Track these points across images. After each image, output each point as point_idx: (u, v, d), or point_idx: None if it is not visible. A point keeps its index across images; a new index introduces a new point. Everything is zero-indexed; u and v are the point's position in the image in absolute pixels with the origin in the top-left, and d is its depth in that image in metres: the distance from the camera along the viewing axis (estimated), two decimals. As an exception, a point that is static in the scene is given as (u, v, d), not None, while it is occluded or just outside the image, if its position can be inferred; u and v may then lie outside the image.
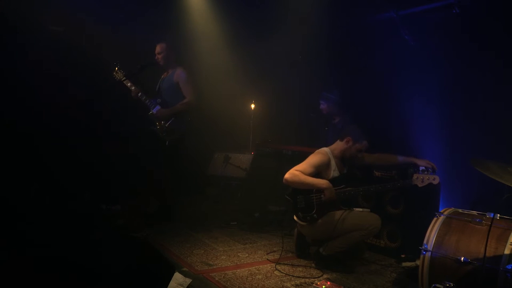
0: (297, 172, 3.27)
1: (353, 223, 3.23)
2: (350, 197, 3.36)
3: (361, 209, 3.40)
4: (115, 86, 4.39)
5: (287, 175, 3.28)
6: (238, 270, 3.20)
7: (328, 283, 2.89)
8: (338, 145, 3.49)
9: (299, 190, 3.36)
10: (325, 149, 3.49)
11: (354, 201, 3.74)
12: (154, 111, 4.29)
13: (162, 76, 4.51)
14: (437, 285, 2.38)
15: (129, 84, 4.32)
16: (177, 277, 2.72)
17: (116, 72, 4.36)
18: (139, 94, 4.30)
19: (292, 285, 2.96)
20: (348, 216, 3.27)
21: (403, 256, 3.52)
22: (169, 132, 4.28)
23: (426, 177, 3.08)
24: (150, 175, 4.76)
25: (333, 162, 3.43)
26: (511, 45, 3.56)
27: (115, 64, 4.38)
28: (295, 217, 3.39)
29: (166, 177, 4.39)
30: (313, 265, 3.38)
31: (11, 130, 4.47)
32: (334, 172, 3.42)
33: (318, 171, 3.35)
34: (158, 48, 4.38)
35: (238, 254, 3.60)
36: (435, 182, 3.07)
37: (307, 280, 3.06)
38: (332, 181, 3.34)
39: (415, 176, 3.12)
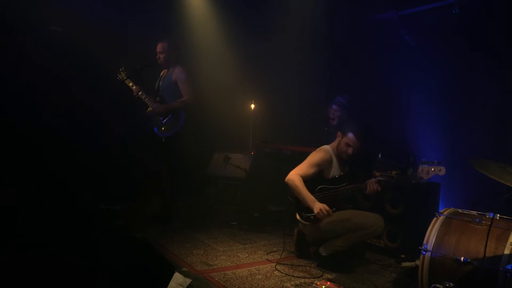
0: (297, 179, 3.27)
1: (357, 222, 3.21)
2: (353, 194, 3.35)
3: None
4: (115, 86, 4.39)
5: (289, 178, 3.29)
6: (238, 270, 3.20)
7: (328, 283, 2.89)
8: (334, 143, 3.50)
9: None
10: (326, 146, 3.50)
11: (355, 200, 3.75)
12: (151, 107, 4.30)
13: (161, 74, 4.50)
14: (437, 285, 2.37)
15: (130, 84, 4.32)
16: (177, 277, 2.72)
17: (120, 73, 4.37)
18: (139, 93, 4.30)
19: (292, 285, 2.96)
20: (351, 215, 3.26)
21: (403, 256, 3.52)
22: (166, 128, 4.28)
23: (431, 168, 2.92)
24: (150, 175, 4.76)
25: (335, 160, 3.43)
26: (510, 45, 3.56)
27: (120, 67, 4.38)
28: (297, 217, 3.38)
29: (165, 176, 4.39)
30: (313, 265, 3.38)
31: (11, 130, 4.48)
32: (335, 170, 3.42)
33: (320, 170, 3.36)
34: (159, 47, 4.35)
35: (238, 254, 3.60)
36: (441, 173, 2.91)
37: (307, 280, 3.06)
38: (334, 180, 3.34)
39: (420, 168, 2.97)
